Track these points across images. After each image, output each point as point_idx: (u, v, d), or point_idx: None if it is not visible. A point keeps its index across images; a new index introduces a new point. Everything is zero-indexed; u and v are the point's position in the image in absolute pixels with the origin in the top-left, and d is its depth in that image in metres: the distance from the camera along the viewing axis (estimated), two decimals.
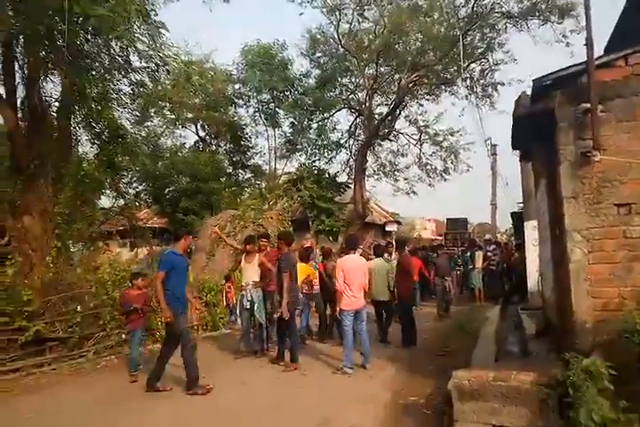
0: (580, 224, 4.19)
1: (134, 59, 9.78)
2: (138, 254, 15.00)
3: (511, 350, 5.98)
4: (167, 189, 20.26)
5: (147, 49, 8.69)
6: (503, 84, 18.21)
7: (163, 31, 8.61)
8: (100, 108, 9.66)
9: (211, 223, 14.87)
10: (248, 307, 7.32)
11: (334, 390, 5.53)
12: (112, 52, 9.43)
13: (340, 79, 20.48)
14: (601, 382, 3.35)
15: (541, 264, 7.68)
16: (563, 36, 15.43)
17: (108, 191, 11.47)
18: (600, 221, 4.16)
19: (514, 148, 6.08)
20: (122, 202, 12.26)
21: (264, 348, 7.50)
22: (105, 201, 12.84)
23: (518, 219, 12.97)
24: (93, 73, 9.78)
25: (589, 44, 4.09)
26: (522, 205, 12.27)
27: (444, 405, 4.45)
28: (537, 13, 15.78)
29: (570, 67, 4.24)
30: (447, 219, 20.84)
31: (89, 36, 8.66)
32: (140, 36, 8.39)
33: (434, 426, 4.25)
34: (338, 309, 6.35)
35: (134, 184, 20.11)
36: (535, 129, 4.87)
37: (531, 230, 10.15)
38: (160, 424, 4.67)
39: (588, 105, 4.06)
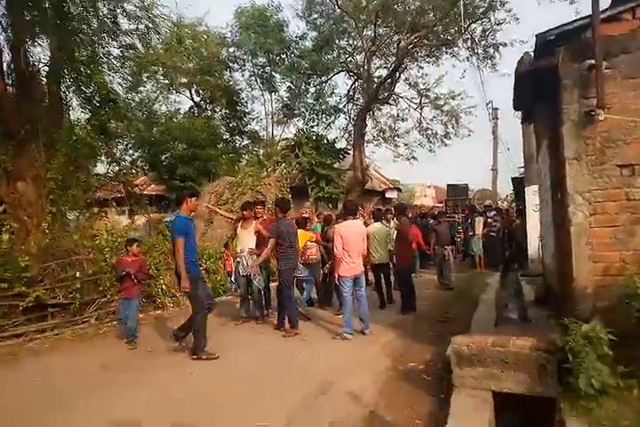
0: (583, 186, 4.09)
1: (123, 21, 9.46)
2: (135, 222, 14.94)
3: (510, 317, 6.00)
4: (163, 156, 20.02)
5: (135, 9, 8.32)
6: (505, 45, 17.66)
7: None
8: (89, 71, 9.36)
9: (208, 190, 14.76)
10: (244, 274, 7.30)
11: (334, 355, 5.58)
12: (99, 13, 9.09)
13: (337, 41, 19.88)
14: (600, 347, 3.33)
15: (542, 229, 7.62)
16: None
17: (102, 158, 11.27)
18: (603, 182, 4.06)
19: (516, 108, 5.90)
20: (117, 168, 12.06)
21: (264, 314, 7.54)
22: (100, 168, 12.70)
23: (519, 184, 12.83)
24: (81, 36, 9.45)
25: None
26: (523, 169, 12.09)
27: (444, 371, 4.48)
28: None
29: (574, 21, 4.04)
30: (447, 185, 20.67)
31: None
32: None
33: (433, 392, 4.28)
34: (336, 275, 6.33)
35: (130, 151, 19.89)
36: (538, 88, 4.69)
37: (531, 195, 10.05)
38: (165, 386, 4.72)
39: (593, 61, 3.88)
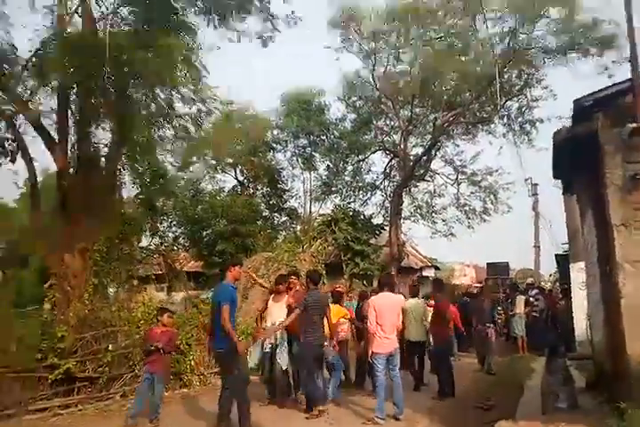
0: (632, 255, 3.83)
1: (178, 105, 10.28)
2: (172, 297, 15.04)
3: (559, 405, 5.37)
4: (204, 233, 20.58)
5: (189, 91, 9.05)
6: (542, 121, 17.77)
7: (204, 73, 8.98)
8: (144, 151, 10.04)
9: (245, 265, 14.85)
10: (268, 350, 6.77)
11: None
12: (157, 98, 9.94)
13: (375, 122, 20.72)
14: None
15: (590, 308, 7.06)
16: (605, 68, 14.82)
17: (147, 232, 11.70)
18: None
19: (555, 177, 5.78)
20: (159, 242, 12.46)
21: (291, 395, 7.01)
22: (144, 243, 13.17)
23: (564, 261, 12.24)
24: (139, 119, 10.30)
25: (634, 60, 3.87)
26: (567, 246, 11.59)
27: None
28: (576, 47, 15.23)
29: (611, 86, 4.04)
30: (487, 264, 19.98)
31: (134, 82, 9.13)
32: (183, 80, 8.76)
33: None
34: (370, 352, 5.93)
35: (173, 228, 20.66)
36: (576, 156, 4.61)
37: (577, 273, 9.54)
38: None
39: (635, 125, 3.81)
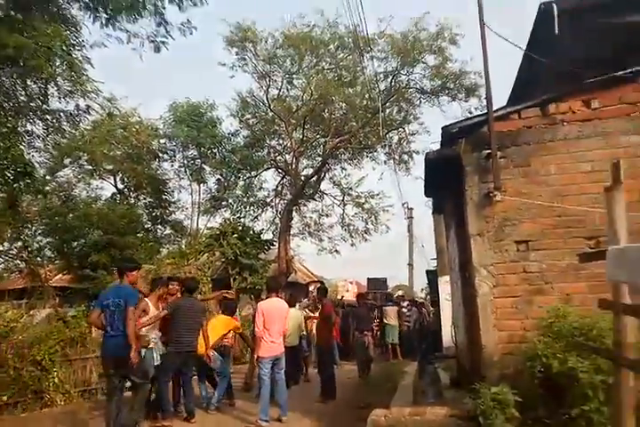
0: (486, 260, 4.47)
1: (53, 99, 9.50)
2: (34, 316, 13.52)
3: (427, 397, 5.96)
4: (76, 243, 18.95)
5: (68, 83, 8.43)
6: (418, 153, 19.70)
7: (87, 68, 8.49)
8: (8, 144, 9.11)
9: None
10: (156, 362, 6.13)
11: None
12: (28, 87, 9.12)
13: (268, 140, 21.15)
14: (508, 409, 3.44)
15: (453, 311, 7.93)
16: (469, 112, 17.29)
17: (7, 234, 10.48)
18: (503, 256, 4.47)
19: (426, 195, 6.50)
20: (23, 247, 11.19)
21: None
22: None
23: (433, 276, 13.49)
24: (5, 108, 9.35)
25: (489, 99, 4.64)
26: (436, 261, 12.81)
27: None
28: (446, 91, 17.71)
29: (473, 117, 4.76)
30: (368, 278, 21.20)
31: (4, 69, 8.33)
32: (62, 71, 8.18)
33: None
34: (255, 356, 6.02)
35: (38, 237, 18.66)
36: (443, 175, 5.29)
37: (444, 285, 10.54)
38: None
39: (489, 151, 4.52)
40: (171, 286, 6.51)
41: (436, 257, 12.06)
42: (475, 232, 4.58)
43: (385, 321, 13.23)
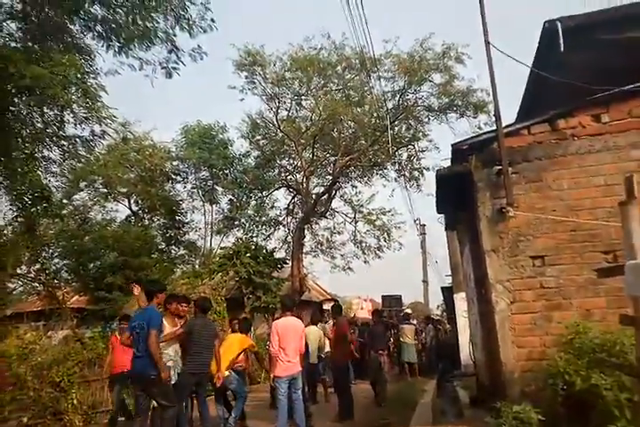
0: (501, 275, 4.45)
1: (69, 125, 9.77)
2: (51, 337, 13.60)
3: (447, 416, 5.86)
4: (92, 265, 19.17)
5: (83, 110, 8.70)
6: (428, 170, 19.70)
7: (102, 94, 8.74)
8: (25, 169, 9.35)
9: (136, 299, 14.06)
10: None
11: None
12: (44, 115, 9.40)
13: (278, 160, 21.37)
14: None
15: (471, 328, 7.83)
16: (478, 128, 17.30)
17: (25, 257, 10.66)
18: (518, 272, 4.45)
19: (439, 212, 6.51)
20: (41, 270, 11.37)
21: None
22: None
23: (448, 293, 13.35)
24: (23, 136, 9.61)
25: (497, 115, 4.69)
26: (451, 278, 12.71)
27: None
28: (455, 108, 17.80)
29: (482, 134, 4.81)
30: (382, 296, 21.02)
31: (22, 97, 8.62)
32: (77, 99, 8.45)
33: None
34: (272, 375, 5.99)
35: (56, 259, 18.94)
36: (456, 192, 5.31)
37: (460, 302, 10.44)
38: None
39: (500, 167, 4.55)
40: (182, 308, 6.38)
41: (450, 273, 11.96)
42: (489, 248, 4.58)
43: (401, 340, 13.05)
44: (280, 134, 20.12)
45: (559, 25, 4.74)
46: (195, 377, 5.95)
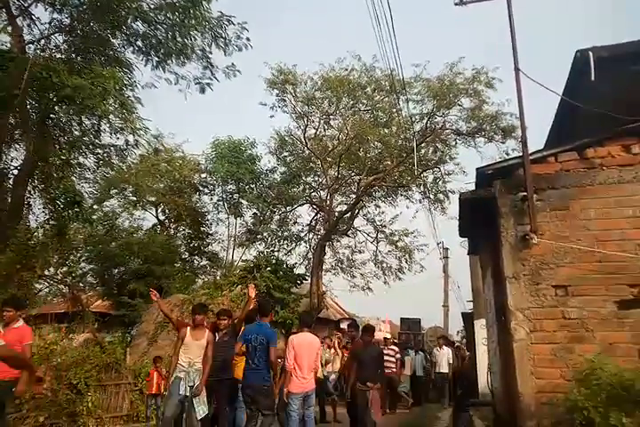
0: (522, 303, 4.38)
1: (105, 134, 10.17)
2: (72, 340, 13.80)
3: None
4: (116, 270, 19.58)
5: (119, 120, 9.06)
6: (454, 193, 19.48)
7: (138, 106, 9.09)
8: (60, 175, 9.73)
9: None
10: (182, 392, 5.73)
11: None
12: (83, 124, 9.80)
13: (304, 177, 21.55)
14: None
15: (490, 356, 7.66)
16: (506, 153, 17.15)
17: (54, 260, 10.99)
18: (540, 301, 4.37)
19: (461, 235, 6.46)
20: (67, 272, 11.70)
21: None
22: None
23: (469, 319, 13.08)
24: (60, 143, 10.02)
25: (524, 142, 4.68)
26: (471, 303, 12.47)
27: None
28: (483, 133, 17.73)
29: (508, 159, 4.80)
30: (401, 318, 20.68)
31: (62, 106, 9.02)
32: (113, 109, 8.82)
33: None
34: (285, 391, 5.95)
35: (82, 264, 19.40)
36: (478, 217, 5.28)
37: (480, 329, 10.22)
38: None
39: (525, 193, 4.52)
40: (220, 321, 6.70)
41: (471, 299, 11.73)
42: (510, 275, 4.52)
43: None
44: (307, 152, 20.36)
45: (591, 54, 4.74)
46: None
